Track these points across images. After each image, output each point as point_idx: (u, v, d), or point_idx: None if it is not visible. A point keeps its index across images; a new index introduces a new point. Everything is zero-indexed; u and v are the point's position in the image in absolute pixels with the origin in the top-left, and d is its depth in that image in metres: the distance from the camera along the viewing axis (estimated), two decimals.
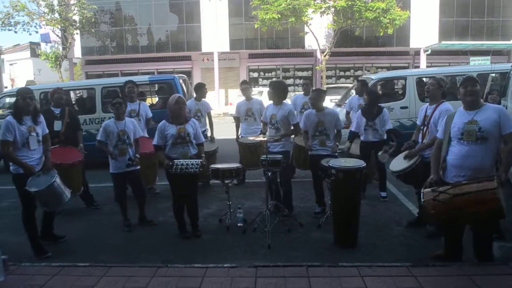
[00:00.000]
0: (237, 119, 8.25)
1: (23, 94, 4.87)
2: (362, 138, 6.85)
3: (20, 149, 4.78)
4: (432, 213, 4.02)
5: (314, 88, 12.59)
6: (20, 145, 4.77)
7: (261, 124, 7.29)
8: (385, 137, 6.73)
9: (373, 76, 11.28)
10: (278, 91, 6.14)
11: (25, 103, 4.80)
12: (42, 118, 5.12)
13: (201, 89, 8.35)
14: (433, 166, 4.29)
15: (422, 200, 4.08)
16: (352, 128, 6.97)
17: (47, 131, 5.19)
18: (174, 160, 5.22)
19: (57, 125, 6.47)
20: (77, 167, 6.26)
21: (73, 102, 11.41)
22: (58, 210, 6.11)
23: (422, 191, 4.12)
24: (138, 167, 5.95)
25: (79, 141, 6.61)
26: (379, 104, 6.84)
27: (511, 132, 3.90)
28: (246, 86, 8.10)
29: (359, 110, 6.99)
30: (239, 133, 8.03)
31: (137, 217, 6.10)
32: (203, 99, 8.36)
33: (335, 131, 6.10)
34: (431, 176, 4.23)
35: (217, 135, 10.95)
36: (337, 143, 6.10)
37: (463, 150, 3.99)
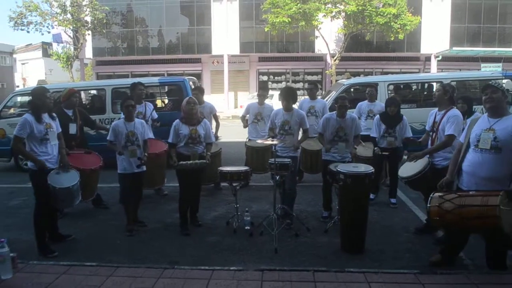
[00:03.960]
0: (243, 118, 8.32)
1: (40, 93, 5.05)
2: (379, 144, 6.76)
3: (39, 145, 4.92)
4: (435, 220, 4.03)
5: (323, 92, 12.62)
6: (39, 142, 4.91)
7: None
8: (401, 144, 6.72)
9: (346, 82, 11.32)
10: (288, 98, 6.09)
11: (43, 102, 4.99)
12: (55, 115, 5.27)
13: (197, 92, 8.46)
14: (450, 167, 4.27)
15: (429, 205, 4.06)
16: (373, 134, 6.84)
17: (60, 129, 5.31)
18: (181, 162, 5.50)
19: (72, 128, 6.52)
20: (97, 173, 6.33)
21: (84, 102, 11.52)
22: (63, 213, 6.21)
23: (431, 195, 4.08)
24: (145, 169, 5.94)
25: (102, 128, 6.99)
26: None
27: None
28: (262, 92, 8.13)
29: (377, 116, 6.92)
30: (247, 136, 8.07)
31: (147, 218, 6.16)
32: (206, 101, 8.38)
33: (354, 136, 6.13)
34: (446, 176, 4.23)
35: (226, 138, 11.03)
36: (355, 146, 6.10)
37: (476, 158, 3.94)
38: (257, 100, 8.18)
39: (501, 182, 3.86)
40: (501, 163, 3.84)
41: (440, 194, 4.04)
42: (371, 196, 6.79)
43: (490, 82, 4.01)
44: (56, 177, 4.95)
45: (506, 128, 3.80)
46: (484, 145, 3.89)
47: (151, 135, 6.64)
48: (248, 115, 8.16)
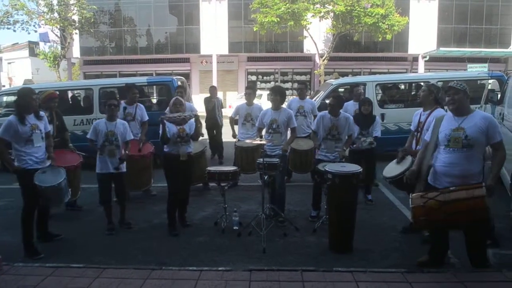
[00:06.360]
0: (232, 119, 8.33)
1: (25, 94, 5.02)
2: (354, 146, 6.81)
3: (24, 146, 4.91)
4: (422, 220, 4.05)
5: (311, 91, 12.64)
6: (23, 143, 4.90)
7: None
8: (375, 144, 6.81)
9: (334, 82, 11.39)
10: (278, 97, 6.17)
11: (28, 103, 4.96)
12: (43, 115, 5.24)
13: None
14: (416, 161, 4.45)
15: (411, 206, 4.11)
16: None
17: (49, 129, 5.32)
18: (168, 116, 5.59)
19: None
20: (79, 170, 6.27)
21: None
22: (51, 213, 6.15)
23: (410, 196, 4.15)
24: (124, 169, 5.94)
25: (67, 141, 6.65)
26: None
27: (499, 141, 3.97)
28: (249, 91, 8.14)
29: (351, 118, 6.95)
30: (236, 137, 8.07)
31: (136, 219, 6.12)
32: (186, 102, 8.34)
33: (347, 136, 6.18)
34: (412, 167, 4.45)
35: None
36: (345, 148, 6.14)
37: (450, 157, 4.03)
38: (245, 101, 8.17)
39: (474, 178, 4.00)
40: (473, 160, 3.99)
41: (420, 194, 4.10)
42: (369, 197, 6.92)
43: (452, 84, 4.11)
44: (42, 176, 4.92)
45: (475, 125, 3.95)
46: (455, 144, 3.99)
47: (135, 136, 6.60)
48: (237, 116, 8.16)
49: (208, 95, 10.64)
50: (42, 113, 5.24)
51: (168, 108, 6.30)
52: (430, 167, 4.28)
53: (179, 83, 10.19)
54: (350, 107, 8.16)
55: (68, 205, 6.82)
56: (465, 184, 3.96)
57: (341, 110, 6.22)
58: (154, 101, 12.06)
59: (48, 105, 6.42)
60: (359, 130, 6.77)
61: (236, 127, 8.33)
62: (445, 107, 5.81)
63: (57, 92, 6.98)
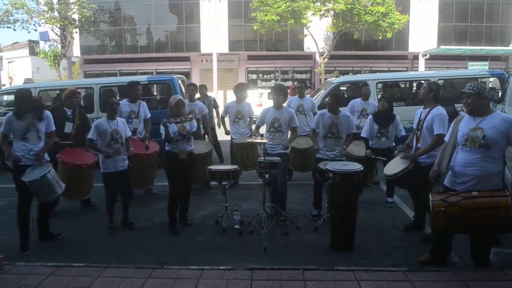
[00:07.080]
0: (222, 118, 8.41)
1: (23, 97, 5.11)
2: (371, 144, 6.73)
3: (19, 141, 5.05)
4: (442, 224, 3.93)
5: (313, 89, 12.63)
6: (19, 138, 5.04)
7: (252, 126, 7.33)
8: (393, 144, 6.74)
9: (334, 80, 11.40)
10: (281, 96, 6.17)
11: (28, 104, 5.06)
12: (48, 115, 5.24)
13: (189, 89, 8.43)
14: (437, 161, 4.32)
15: (432, 209, 3.97)
16: (364, 134, 6.73)
17: (53, 129, 5.31)
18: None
19: (68, 127, 6.47)
20: (93, 168, 6.27)
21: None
22: (53, 211, 6.15)
23: (430, 199, 4.00)
24: (127, 166, 5.95)
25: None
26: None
27: None
28: (241, 89, 8.09)
29: (370, 116, 6.86)
30: (229, 134, 8.09)
31: (137, 217, 6.12)
32: (197, 101, 8.36)
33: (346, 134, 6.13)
34: (433, 168, 4.27)
35: None
36: (344, 147, 6.11)
37: (466, 157, 3.98)
38: (234, 99, 8.13)
39: (492, 179, 3.94)
40: (491, 161, 3.92)
41: (440, 197, 3.95)
42: (389, 199, 6.81)
43: (466, 88, 4.07)
44: (30, 172, 4.98)
45: (494, 126, 3.89)
46: (472, 143, 3.94)
47: (130, 133, 6.62)
48: (227, 115, 8.11)
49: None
50: (46, 113, 5.24)
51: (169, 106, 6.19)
52: (448, 169, 4.21)
53: (179, 81, 10.18)
54: (357, 105, 8.13)
55: (81, 203, 6.82)
56: (484, 186, 3.90)
57: (346, 108, 6.19)
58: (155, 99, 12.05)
59: (70, 101, 6.47)
60: (378, 128, 6.65)
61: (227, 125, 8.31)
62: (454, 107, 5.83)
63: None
